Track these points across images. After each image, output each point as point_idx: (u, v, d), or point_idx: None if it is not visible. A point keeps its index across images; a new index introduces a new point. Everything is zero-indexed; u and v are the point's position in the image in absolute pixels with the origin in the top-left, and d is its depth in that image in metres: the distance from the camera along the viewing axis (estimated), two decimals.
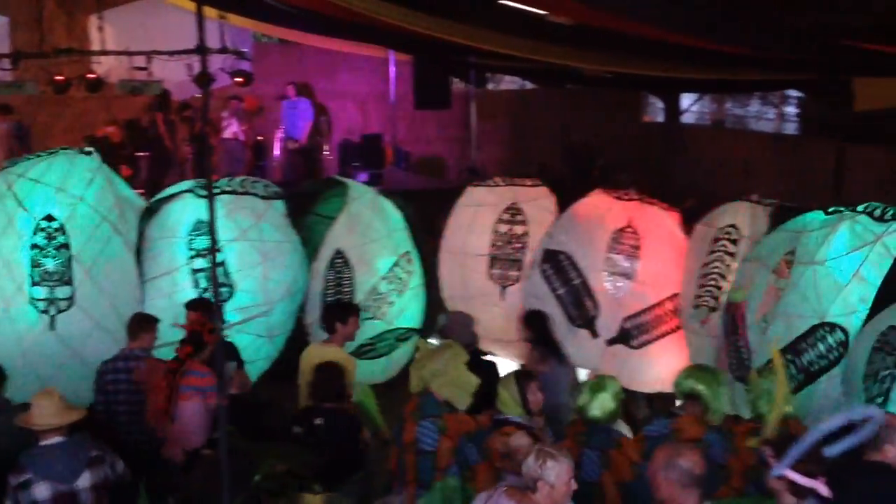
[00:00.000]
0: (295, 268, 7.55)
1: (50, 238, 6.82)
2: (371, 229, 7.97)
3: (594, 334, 7.65)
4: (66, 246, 6.81)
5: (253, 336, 7.20)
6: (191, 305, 6.44)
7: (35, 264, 6.79)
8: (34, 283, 6.78)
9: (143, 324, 6.33)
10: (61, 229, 6.82)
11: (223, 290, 7.12)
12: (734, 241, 7.09)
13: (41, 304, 6.80)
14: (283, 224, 7.59)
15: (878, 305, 5.63)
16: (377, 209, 8.14)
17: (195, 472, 5.15)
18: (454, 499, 4.75)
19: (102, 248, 6.97)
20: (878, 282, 5.64)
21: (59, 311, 6.82)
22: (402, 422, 5.25)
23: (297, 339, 7.55)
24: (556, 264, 7.78)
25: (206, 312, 6.34)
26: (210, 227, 3.82)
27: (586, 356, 7.66)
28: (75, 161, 7.13)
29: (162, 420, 5.51)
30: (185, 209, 7.31)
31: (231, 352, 6.37)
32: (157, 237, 7.32)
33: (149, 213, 7.44)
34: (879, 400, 5.24)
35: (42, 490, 4.50)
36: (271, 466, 5.03)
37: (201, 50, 4.06)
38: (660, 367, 7.36)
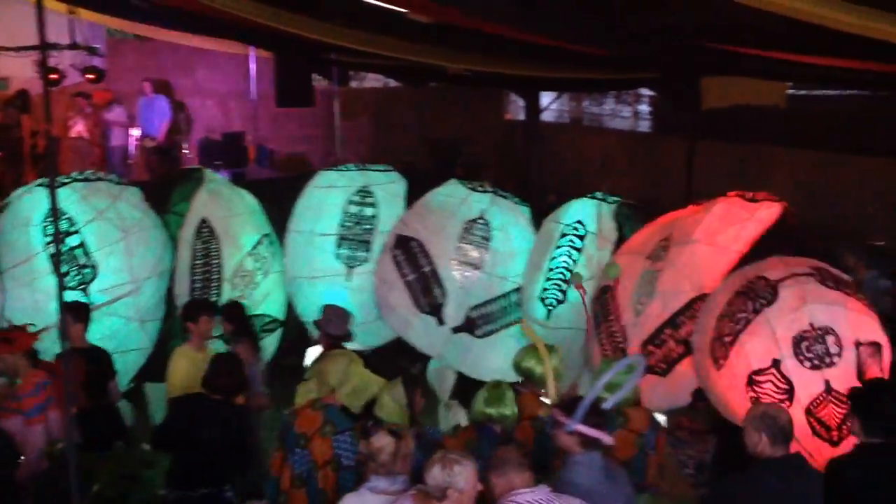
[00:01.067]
0: (160, 245, 7.49)
1: None
2: (233, 204, 7.94)
3: (441, 321, 7.73)
4: None
5: (123, 319, 7.12)
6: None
7: None
8: None
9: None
10: None
11: (85, 271, 7.03)
12: (581, 237, 7.34)
13: None
14: (141, 205, 7.56)
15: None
16: (234, 190, 8.20)
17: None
18: None
19: None
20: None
21: None
22: (306, 441, 5.09)
23: (171, 330, 7.45)
24: (408, 250, 7.84)
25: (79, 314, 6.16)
26: (53, 217, 3.69)
27: (432, 343, 7.82)
28: None
29: None
30: (35, 199, 7.23)
31: (104, 360, 6.16)
32: (10, 228, 7.20)
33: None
34: (723, 363, 5.55)
35: None
36: (112, 474, 4.89)
37: (44, 46, 3.92)
38: (502, 357, 7.38)
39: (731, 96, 9.67)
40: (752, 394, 5.32)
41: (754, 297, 5.49)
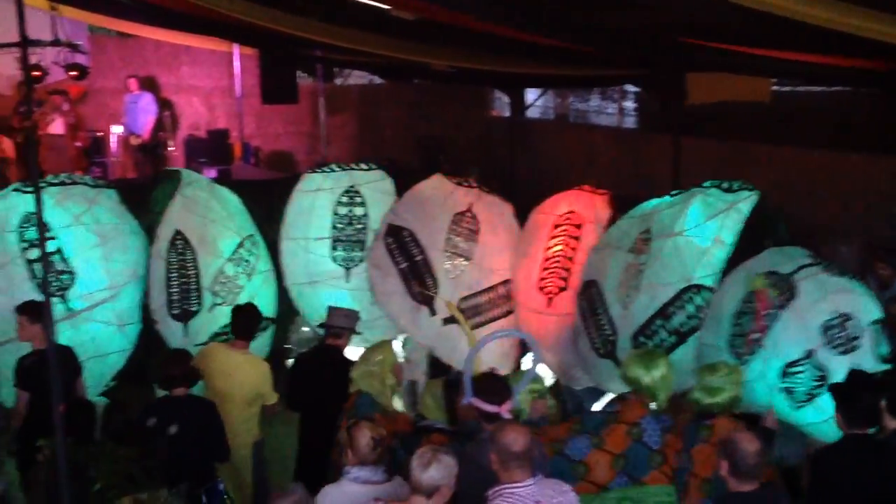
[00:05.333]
0: (138, 251, 7.44)
1: None
2: (210, 210, 7.83)
3: (432, 312, 7.75)
4: None
5: (102, 324, 7.07)
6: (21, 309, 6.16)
7: None
8: None
9: None
10: None
11: (63, 276, 6.96)
12: (578, 226, 7.38)
13: None
14: (118, 209, 7.48)
15: (732, 264, 6.31)
16: (214, 193, 8.05)
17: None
18: None
19: None
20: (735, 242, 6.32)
21: None
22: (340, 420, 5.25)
23: (148, 333, 7.43)
24: (399, 240, 7.89)
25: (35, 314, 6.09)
26: (38, 221, 3.63)
27: (424, 333, 7.85)
28: None
29: None
30: (11, 204, 7.12)
31: (69, 357, 6.12)
32: None
33: None
34: (747, 357, 5.77)
35: None
36: (112, 472, 4.87)
37: (25, 42, 3.88)
38: (489, 349, 7.49)
39: (716, 92, 9.70)
40: (787, 385, 5.61)
41: (775, 292, 5.72)
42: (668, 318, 6.34)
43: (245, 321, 6.41)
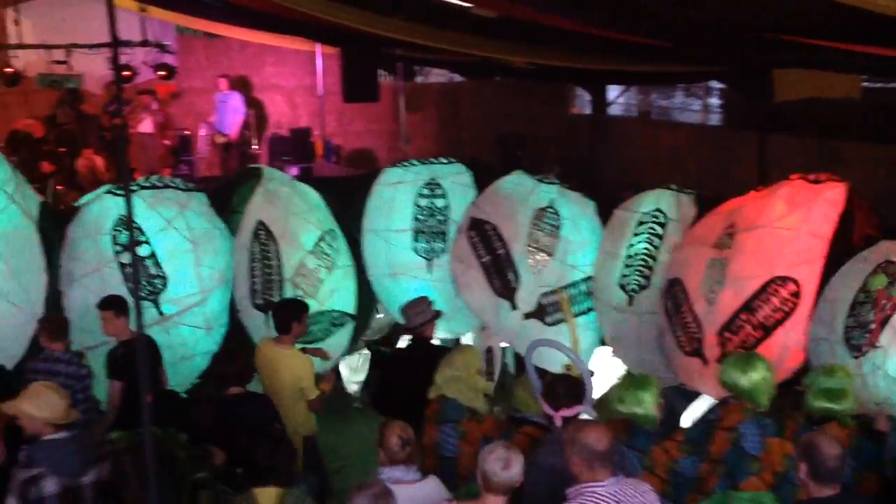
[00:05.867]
0: (227, 255, 7.45)
1: None
2: (291, 203, 7.89)
3: (514, 306, 7.73)
4: None
5: (191, 328, 7.12)
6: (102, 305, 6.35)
7: None
8: None
9: (63, 326, 6.23)
10: None
11: (156, 281, 7.01)
12: (661, 225, 7.31)
13: None
14: (208, 213, 7.49)
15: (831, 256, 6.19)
16: (295, 189, 8.11)
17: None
18: None
19: None
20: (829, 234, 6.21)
21: None
22: (423, 425, 5.26)
23: (235, 332, 7.49)
24: (482, 233, 7.88)
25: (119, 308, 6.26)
26: (129, 224, 3.72)
27: (505, 327, 7.83)
28: None
29: None
30: (104, 207, 7.16)
31: (152, 347, 6.27)
32: (79, 237, 7.13)
33: (68, 217, 7.27)
34: (866, 349, 5.61)
35: (50, 485, 4.43)
36: (208, 462, 4.99)
37: (115, 43, 3.97)
38: (570, 346, 7.47)
39: (803, 89, 9.47)
40: None
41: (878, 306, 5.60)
42: (753, 312, 6.25)
43: (285, 316, 6.47)
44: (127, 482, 4.90)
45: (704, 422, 5.18)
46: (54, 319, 6.31)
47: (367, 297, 8.34)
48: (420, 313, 6.65)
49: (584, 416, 4.73)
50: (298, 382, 6.22)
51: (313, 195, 8.20)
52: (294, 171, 14.57)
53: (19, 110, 15.07)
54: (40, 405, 4.62)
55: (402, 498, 4.10)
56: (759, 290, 6.23)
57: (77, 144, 14.16)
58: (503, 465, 3.90)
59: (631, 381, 5.05)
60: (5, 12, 15.02)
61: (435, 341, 7.03)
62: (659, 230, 7.30)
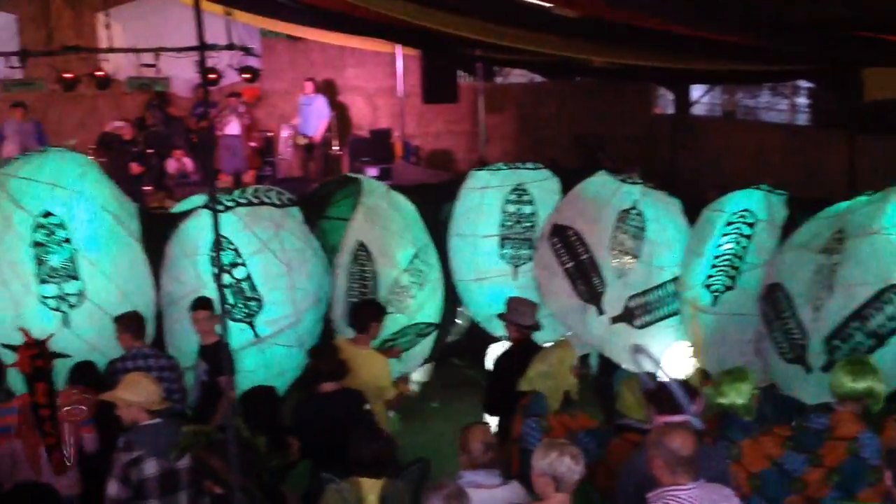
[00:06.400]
0: (320, 275, 7.42)
1: (51, 234, 6.66)
2: (389, 221, 7.90)
3: (600, 311, 7.66)
4: (67, 240, 6.67)
5: (285, 348, 7.15)
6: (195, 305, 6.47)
7: (39, 262, 6.62)
8: (41, 282, 6.62)
9: (142, 323, 6.38)
10: (61, 224, 6.67)
11: (251, 303, 7.01)
12: (750, 225, 7.16)
13: (51, 302, 6.63)
14: (302, 231, 7.48)
15: None
16: (392, 202, 8.11)
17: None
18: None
19: (105, 238, 6.85)
20: None
21: (71, 307, 6.67)
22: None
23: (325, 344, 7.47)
24: (565, 239, 7.82)
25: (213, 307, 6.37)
26: (216, 243, 3.76)
27: (593, 333, 7.75)
28: (66, 156, 6.99)
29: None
30: (201, 226, 7.13)
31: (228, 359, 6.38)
32: (178, 256, 7.17)
33: (162, 230, 7.30)
34: None
35: (151, 467, 4.62)
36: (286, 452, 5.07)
37: (202, 47, 4.06)
38: (659, 348, 7.37)
39: (895, 88, 9.19)
40: None
41: None
42: (866, 320, 6.03)
43: (365, 315, 6.51)
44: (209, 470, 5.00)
45: (815, 431, 5.02)
46: (133, 317, 6.39)
47: (450, 302, 8.34)
48: (530, 311, 6.62)
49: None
50: (376, 382, 6.26)
51: (409, 208, 8.17)
52: (373, 171, 14.69)
53: (109, 113, 15.54)
54: (137, 392, 4.79)
55: (483, 502, 4.10)
56: (873, 297, 6.02)
57: (165, 146, 14.53)
58: (574, 462, 3.92)
59: (729, 374, 5.04)
60: (96, 17, 15.50)
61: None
62: (747, 230, 7.13)
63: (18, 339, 5.52)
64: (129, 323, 6.29)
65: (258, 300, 7.03)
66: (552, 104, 17.44)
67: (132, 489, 4.62)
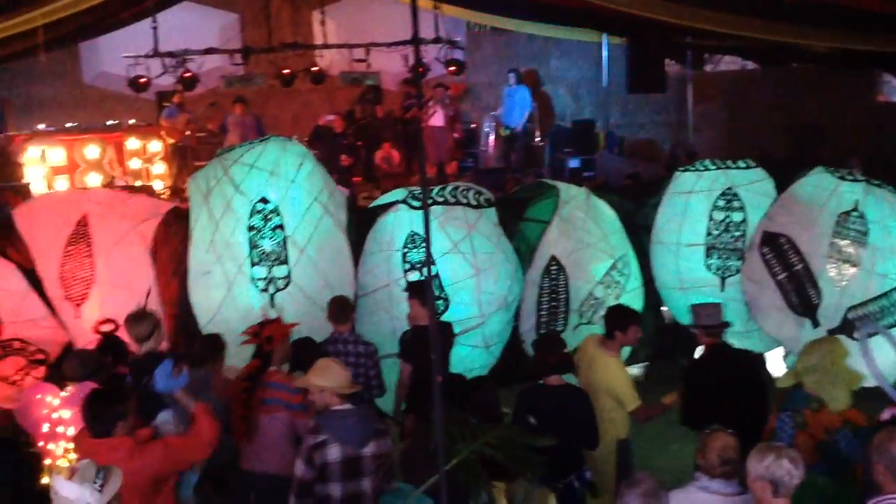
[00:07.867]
0: (509, 279, 7.36)
1: (266, 219, 6.97)
2: (586, 233, 7.65)
3: (816, 323, 7.21)
4: (281, 227, 6.96)
5: (470, 347, 7.19)
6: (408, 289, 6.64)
7: (253, 245, 6.95)
8: (253, 264, 6.96)
9: (348, 308, 6.56)
10: (276, 211, 6.96)
11: (438, 302, 7.09)
12: None
13: (261, 284, 6.97)
14: (494, 234, 7.45)
15: None
16: (591, 212, 7.84)
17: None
18: (827, 498, 4.55)
19: (315, 227, 7.09)
20: None
21: (278, 290, 6.97)
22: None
23: (514, 347, 7.49)
24: (777, 248, 7.36)
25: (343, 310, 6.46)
26: (426, 240, 3.77)
27: None
28: (286, 147, 7.27)
29: (238, 436, 5.46)
30: (398, 221, 7.27)
31: (447, 333, 6.46)
32: (373, 251, 7.32)
33: (364, 222, 7.48)
34: None
35: (334, 452, 4.75)
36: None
37: (416, 41, 4.11)
38: (883, 361, 6.85)
39: None
40: None
41: None
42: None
43: (610, 321, 6.29)
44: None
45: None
46: (340, 301, 6.57)
47: (651, 308, 8.05)
48: (713, 312, 6.35)
49: None
50: (609, 387, 6.11)
51: (609, 217, 7.93)
52: (575, 162, 14.57)
53: (322, 106, 16.20)
54: (327, 376, 4.93)
55: None
56: None
57: (374, 138, 14.98)
58: (793, 465, 3.73)
59: None
60: (312, 14, 16.19)
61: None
62: None
63: (228, 315, 5.77)
64: (333, 308, 6.50)
65: (445, 300, 7.12)
66: (765, 92, 16.67)
67: (315, 471, 4.74)
